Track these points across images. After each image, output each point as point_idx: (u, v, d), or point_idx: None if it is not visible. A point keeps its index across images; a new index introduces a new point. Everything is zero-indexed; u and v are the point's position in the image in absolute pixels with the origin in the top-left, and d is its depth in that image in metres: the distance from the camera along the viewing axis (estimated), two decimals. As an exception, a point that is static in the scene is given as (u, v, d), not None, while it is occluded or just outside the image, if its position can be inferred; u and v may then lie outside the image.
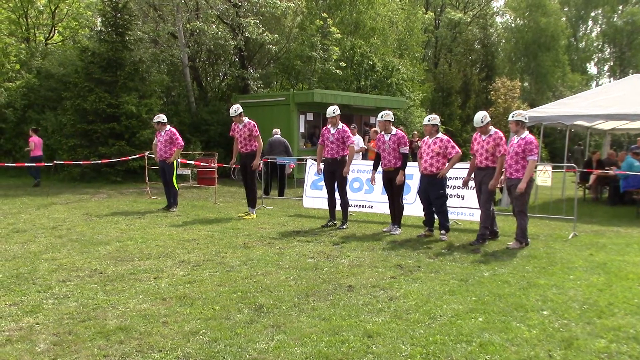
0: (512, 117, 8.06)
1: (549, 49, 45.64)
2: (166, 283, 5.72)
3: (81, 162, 15.30)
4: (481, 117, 8.22)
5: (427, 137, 8.73)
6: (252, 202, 10.75)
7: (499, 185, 8.33)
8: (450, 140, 8.62)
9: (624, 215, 11.83)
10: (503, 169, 8.09)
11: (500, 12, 49.84)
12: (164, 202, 11.82)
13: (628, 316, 4.92)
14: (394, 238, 8.57)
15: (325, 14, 24.29)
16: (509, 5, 49.70)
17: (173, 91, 22.18)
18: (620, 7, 54.49)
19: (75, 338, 4.22)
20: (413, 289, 5.60)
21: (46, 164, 15.47)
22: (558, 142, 35.87)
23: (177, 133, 11.52)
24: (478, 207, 8.77)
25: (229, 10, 22.35)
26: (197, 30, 21.18)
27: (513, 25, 51.04)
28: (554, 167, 10.52)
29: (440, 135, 8.64)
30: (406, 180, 9.18)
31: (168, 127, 11.48)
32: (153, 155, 12.55)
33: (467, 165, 10.20)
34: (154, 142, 11.86)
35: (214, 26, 22.21)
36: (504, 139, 8.18)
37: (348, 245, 7.86)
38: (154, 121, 11.59)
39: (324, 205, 9.88)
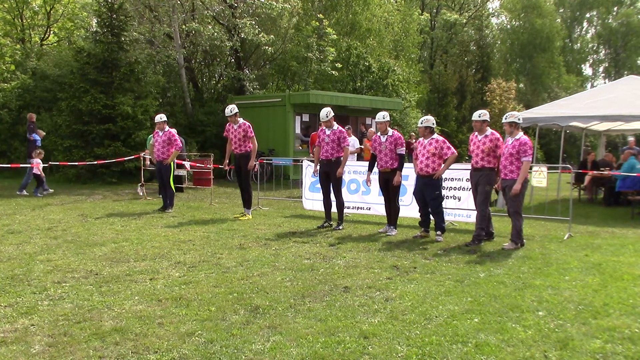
0: (506, 118, 8.07)
1: (544, 50, 45.82)
2: (162, 284, 5.71)
3: (76, 163, 15.25)
4: (480, 112, 8.26)
5: (422, 138, 8.75)
6: (247, 203, 10.75)
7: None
8: (446, 141, 8.64)
9: (619, 216, 11.87)
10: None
11: (496, 14, 50.02)
12: (160, 203, 11.80)
13: (623, 317, 4.93)
14: (390, 239, 8.58)
15: (321, 15, 24.30)
16: (505, 7, 49.85)
17: (169, 92, 22.12)
18: (615, 9, 54.73)
19: (71, 339, 4.21)
20: (409, 290, 5.61)
21: (41, 165, 15.41)
22: (553, 143, 36.02)
23: (176, 134, 11.49)
24: (474, 208, 8.79)
25: (224, 11, 22.34)
26: (193, 31, 21.15)
27: (508, 26, 51.24)
28: (549, 168, 10.55)
29: (435, 136, 8.65)
30: (402, 182, 9.19)
31: (167, 127, 11.46)
32: (149, 156, 12.54)
33: (463, 166, 10.25)
34: (150, 142, 11.82)
35: (209, 27, 22.19)
36: (501, 139, 8.19)
37: (344, 246, 7.86)
38: (156, 120, 11.54)
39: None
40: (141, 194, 13.65)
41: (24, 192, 13.72)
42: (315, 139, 10.19)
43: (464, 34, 41.68)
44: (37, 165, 13.54)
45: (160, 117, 11.48)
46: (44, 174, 13.80)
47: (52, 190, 13.95)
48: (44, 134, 15.42)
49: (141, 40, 20.19)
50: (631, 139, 17.25)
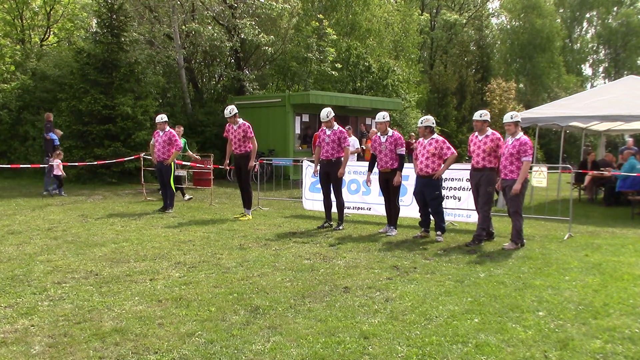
0: (512, 118, 8.02)
1: (544, 50, 45.80)
2: (162, 285, 5.71)
3: (77, 164, 15.25)
4: (481, 112, 8.26)
5: (422, 138, 8.74)
6: (247, 204, 10.75)
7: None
8: (446, 141, 8.63)
9: (619, 216, 11.87)
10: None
11: (496, 14, 50.04)
12: (160, 203, 11.80)
13: (623, 317, 4.93)
14: (390, 239, 8.58)
15: (321, 15, 24.31)
16: (504, 7, 49.85)
17: (169, 92, 22.12)
18: (615, 9, 54.73)
19: (71, 340, 4.21)
20: (409, 290, 5.61)
21: (41, 165, 15.43)
22: (553, 143, 36.01)
23: (176, 135, 11.50)
24: (474, 208, 8.79)
25: (224, 12, 22.35)
26: (193, 32, 21.17)
27: (508, 26, 51.23)
28: (549, 168, 10.55)
29: (435, 136, 8.65)
30: (403, 182, 9.19)
31: (168, 127, 11.47)
32: (149, 157, 12.53)
33: (463, 166, 10.25)
34: (151, 142, 11.82)
35: (209, 27, 22.19)
36: (502, 139, 8.19)
37: (344, 247, 7.86)
38: (157, 121, 11.54)
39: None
40: (186, 198, 13.56)
41: (49, 190, 13.88)
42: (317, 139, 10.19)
43: (464, 34, 41.66)
44: (58, 165, 13.78)
45: (161, 118, 11.49)
46: (64, 174, 14.02)
47: (65, 194, 13.94)
48: (62, 133, 15.51)
49: (141, 41, 20.18)
50: (629, 139, 17.25)
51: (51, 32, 24.07)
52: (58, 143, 14.90)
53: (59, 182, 13.93)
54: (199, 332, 4.38)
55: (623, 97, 13.13)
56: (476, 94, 37.29)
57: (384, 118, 8.98)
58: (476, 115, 8.29)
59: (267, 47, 22.77)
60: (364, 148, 16.67)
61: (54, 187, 13.85)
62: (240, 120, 10.50)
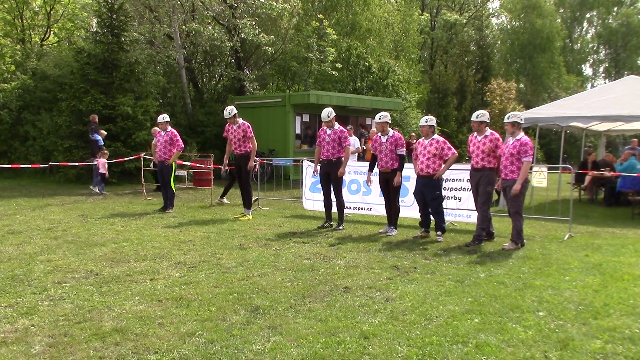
0: (508, 118, 8.06)
1: (544, 50, 45.83)
2: (162, 284, 5.71)
3: (77, 164, 15.26)
4: (478, 113, 8.27)
5: (423, 138, 8.74)
6: (247, 203, 10.75)
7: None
8: (447, 141, 8.64)
9: (619, 216, 11.87)
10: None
11: (496, 14, 50.05)
12: (160, 203, 11.80)
13: (623, 317, 4.93)
14: (390, 239, 8.57)
15: (321, 15, 24.31)
16: (505, 7, 49.87)
17: (169, 92, 22.12)
18: (615, 9, 54.77)
19: (71, 340, 4.21)
20: (409, 290, 5.61)
21: (42, 165, 15.44)
22: (553, 144, 36.01)
23: (178, 135, 11.51)
24: (474, 208, 8.79)
25: (224, 12, 22.36)
26: (193, 32, 21.18)
27: (509, 26, 51.27)
28: (549, 168, 10.55)
29: (436, 136, 8.66)
30: (404, 182, 9.19)
31: (169, 127, 11.48)
32: (150, 157, 12.52)
33: (463, 166, 10.25)
34: (152, 142, 11.82)
35: (209, 27, 22.20)
36: (501, 139, 8.20)
37: (344, 247, 7.86)
38: (158, 121, 11.55)
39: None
40: (227, 201, 13.23)
41: (97, 189, 14.37)
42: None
43: (464, 34, 41.69)
44: (103, 164, 14.25)
45: (163, 118, 11.50)
46: (107, 174, 14.51)
47: (108, 193, 14.39)
48: (105, 133, 15.69)
49: (141, 41, 20.19)
50: (633, 140, 17.24)
51: (51, 32, 24.07)
52: (102, 143, 15.11)
53: (102, 179, 14.41)
54: (199, 332, 4.38)
55: (623, 97, 13.13)
56: (476, 94, 37.32)
57: (380, 118, 8.99)
58: (473, 116, 8.30)
59: (267, 47, 22.77)
60: (365, 148, 16.67)
61: (102, 185, 14.39)
62: (240, 120, 10.50)
